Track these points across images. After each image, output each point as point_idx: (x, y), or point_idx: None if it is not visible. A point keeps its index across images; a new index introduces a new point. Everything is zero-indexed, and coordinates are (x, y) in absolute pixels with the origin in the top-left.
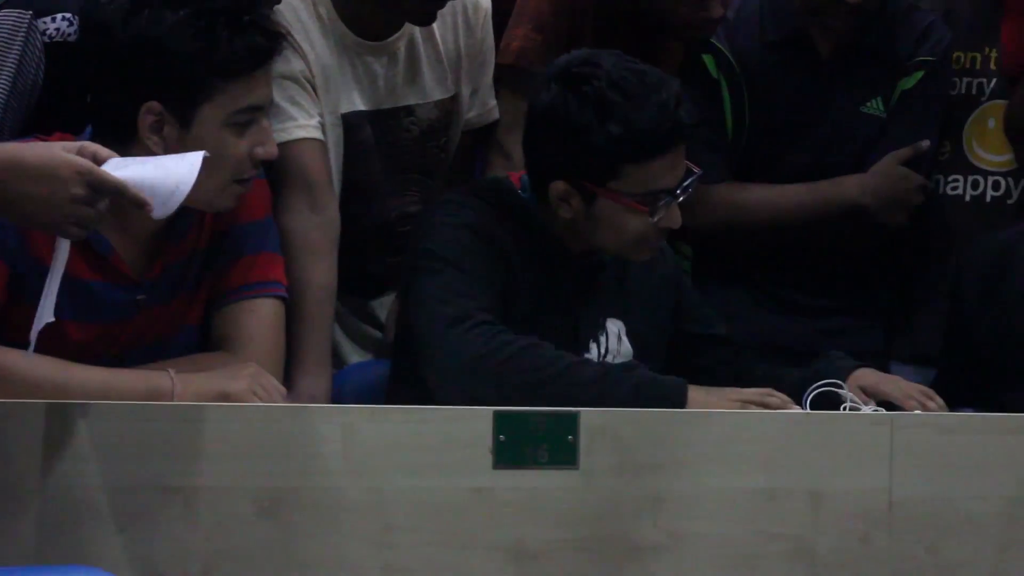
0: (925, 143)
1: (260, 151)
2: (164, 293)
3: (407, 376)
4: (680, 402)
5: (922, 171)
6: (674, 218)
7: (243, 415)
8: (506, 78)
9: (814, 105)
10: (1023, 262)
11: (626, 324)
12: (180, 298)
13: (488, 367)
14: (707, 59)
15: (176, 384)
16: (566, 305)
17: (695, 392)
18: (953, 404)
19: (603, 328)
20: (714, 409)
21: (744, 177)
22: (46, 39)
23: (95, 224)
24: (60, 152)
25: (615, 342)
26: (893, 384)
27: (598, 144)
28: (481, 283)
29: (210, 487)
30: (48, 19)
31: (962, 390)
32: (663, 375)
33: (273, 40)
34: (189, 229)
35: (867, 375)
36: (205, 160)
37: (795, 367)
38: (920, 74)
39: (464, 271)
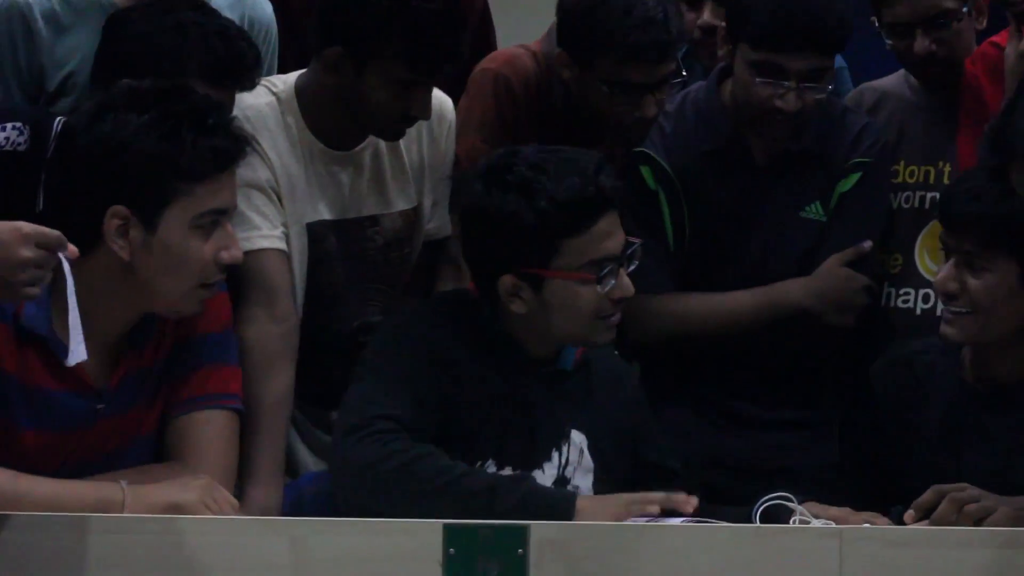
0: (867, 244)
1: (225, 255)
2: (123, 403)
3: None
4: (567, 514)
5: (866, 272)
6: (625, 286)
7: (194, 527)
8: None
9: (753, 212)
10: (939, 378)
11: (590, 439)
12: (138, 408)
13: (376, 476)
14: (644, 170)
15: (127, 495)
16: (527, 412)
17: (584, 501)
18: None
19: (567, 438)
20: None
21: (687, 287)
22: None
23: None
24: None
25: (576, 454)
26: (836, 510)
27: (532, 225)
28: (401, 390)
29: None
30: None
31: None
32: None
33: (238, 143)
34: (150, 339)
35: (812, 506)
36: (171, 264)
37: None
38: (857, 175)
39: (384, 378)
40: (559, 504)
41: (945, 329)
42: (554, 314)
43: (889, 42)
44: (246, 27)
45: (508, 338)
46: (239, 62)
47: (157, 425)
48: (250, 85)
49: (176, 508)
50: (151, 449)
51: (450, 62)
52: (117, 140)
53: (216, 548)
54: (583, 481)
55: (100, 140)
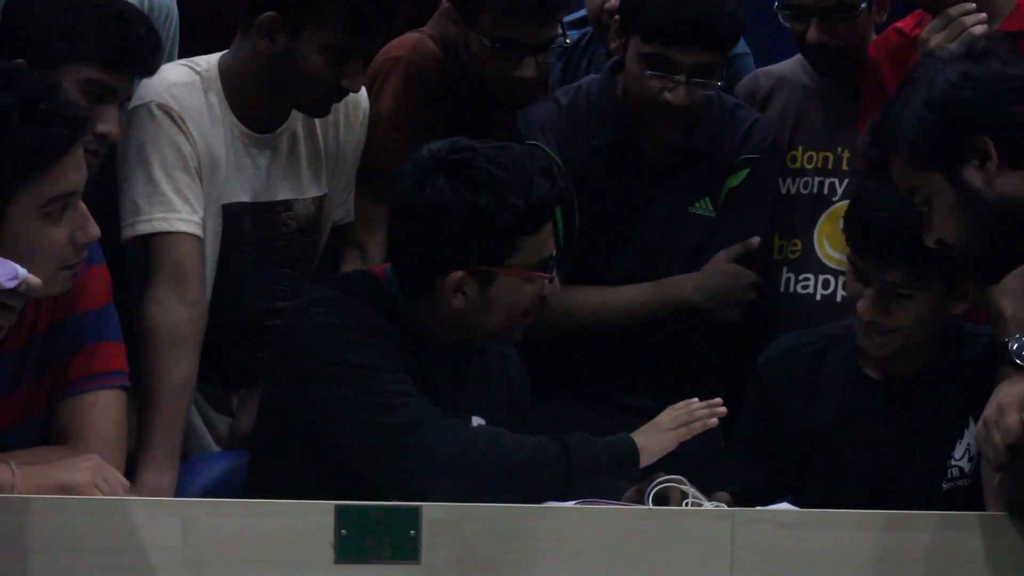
0: (755, 240)
1: (81, 235)
2: (4, 383)
3: (269, 470)
4: (634, 458)
5: (754, 267)
6: (556, 283)
7: (84, 508)
8: (365, 177)
9: (643, 207)
10: (832, 368)
11: (488, 421)
12: (23, 390)
13: (467, 463)
14: None
15: (17, 476)
16: (436, 399)
17: (640, 439)
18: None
19: (469, 425)
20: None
21: (577, 281)
22: None
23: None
24: None
25: None
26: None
27: (504, 222)
28: (403, 377)
29: None
30: None
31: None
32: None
33: (74, 126)
34: (24, 317)
35: None
36: (26, 254)
37: None
38: (746, 172)
39: (385, 371)
40: (624, 450)
41: (863, 342)
42: (490, 311)
43: (786, 23)
44: (146, 11)
45: (420, 326)
46: (137, 47)
47: (45, 407)
48: (149, 71)
49: (67, 489)
50: (39, 432)
51: (385, 31)
52: None
53: (107, 529)
54: None
55: None
